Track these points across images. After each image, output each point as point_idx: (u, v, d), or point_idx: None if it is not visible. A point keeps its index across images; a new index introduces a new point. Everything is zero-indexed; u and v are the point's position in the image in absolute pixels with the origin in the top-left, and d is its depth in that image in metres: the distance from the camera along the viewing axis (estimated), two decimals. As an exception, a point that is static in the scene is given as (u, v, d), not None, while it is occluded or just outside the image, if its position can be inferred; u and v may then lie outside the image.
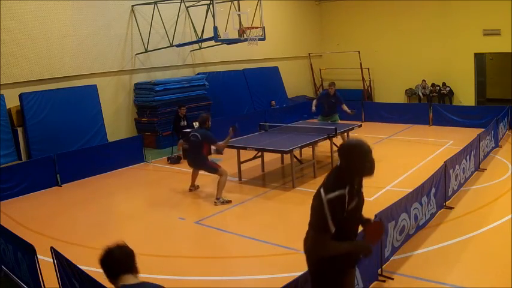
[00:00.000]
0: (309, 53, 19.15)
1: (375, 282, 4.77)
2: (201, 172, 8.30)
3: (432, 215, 6.33)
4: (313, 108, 11.20)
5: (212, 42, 12.46)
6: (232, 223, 6.98)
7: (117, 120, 12.71)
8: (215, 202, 7.64)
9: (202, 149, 7.88)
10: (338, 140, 9.13)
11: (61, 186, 9.40)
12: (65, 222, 7.34)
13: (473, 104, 16.02)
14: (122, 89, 12.87)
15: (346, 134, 10.03)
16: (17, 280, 5.00)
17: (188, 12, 13.52)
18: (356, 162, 2.98)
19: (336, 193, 2.89)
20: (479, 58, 16.64)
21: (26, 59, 10.61)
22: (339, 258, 3.03)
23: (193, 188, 8.52)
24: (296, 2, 18.56)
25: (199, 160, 7.95)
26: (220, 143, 7.92)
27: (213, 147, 8.32)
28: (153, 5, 12.77)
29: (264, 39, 12.49)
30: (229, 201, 7.71)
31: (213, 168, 7.87)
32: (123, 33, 12.71)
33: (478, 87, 16.75)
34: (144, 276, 5.27)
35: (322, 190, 2.96)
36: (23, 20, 10.47)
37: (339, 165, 3.06)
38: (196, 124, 9.79)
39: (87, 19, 11.77)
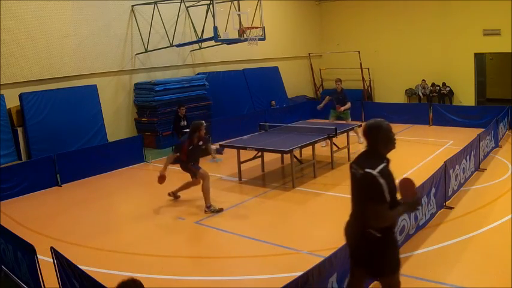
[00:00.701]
0: (309, 53, 19.15)
1: (375, 282, 4.76)
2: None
3: (432, 215, 6.34)
4: (321, 105, 12.22)
5: (212, 42, 12.46)
6: (232, 223, 6.96)
7: (117, 120, 12.71)
8: (205, 211, 7.33)
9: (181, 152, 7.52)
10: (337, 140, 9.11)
11: (61, 186, 9.40)
12: (65, 222, 7.34)
13: (473, 104, 16.01)
14: (121, 89, 12.87)
15: (346, 134, 10.03)
16: (17, 280, 4.99)
17: (188, 12, 13.52)
18: (383, 138, 3.33)
19: (381, 166, 3.21)
20: (479, 58, 16.63)
21: (26, 59, 10.61)
22: (389, 231, 3.32)
23: (172, 195, 8.10)
24: (296, 2, 18.56)
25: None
26: (172, 155, 7.53)
27: (213, 146, 8.28)
28: (153, 5, 12.77)
29: (264, 39, 12.49)
30: (220, 210, 7.34)
31: (192, 171, 7.56)
32: (123, 33, 12.71)
33: (478, 87, 16.74)
34: (144, 276, 5.30)
35: (366, 170, 3.18)
36: (23, 20, 10.47)
37: (368, 146, 3.37)
38: None
39: (87, 19, 11.78)
